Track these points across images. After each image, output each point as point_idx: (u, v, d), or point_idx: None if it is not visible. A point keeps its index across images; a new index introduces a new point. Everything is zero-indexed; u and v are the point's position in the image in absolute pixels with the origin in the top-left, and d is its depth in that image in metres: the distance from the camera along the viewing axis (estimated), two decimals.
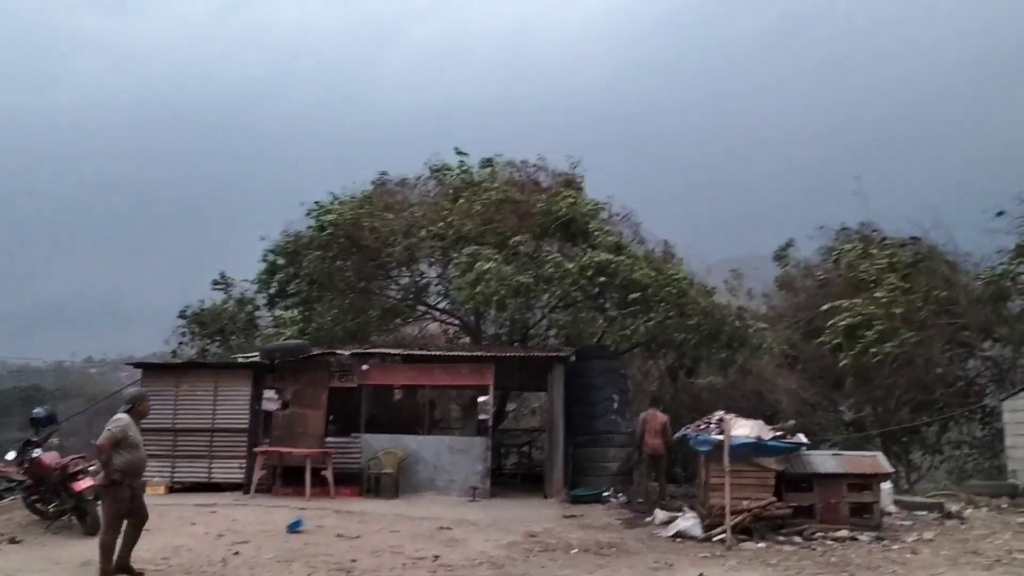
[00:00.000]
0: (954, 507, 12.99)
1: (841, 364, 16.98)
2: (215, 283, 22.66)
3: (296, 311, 18.39)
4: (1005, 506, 13.15)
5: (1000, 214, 17.14)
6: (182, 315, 22.01)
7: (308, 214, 18.49)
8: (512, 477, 18.09)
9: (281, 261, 18.67)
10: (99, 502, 10.59)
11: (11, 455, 11.25)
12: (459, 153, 19.42)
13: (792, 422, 13.88)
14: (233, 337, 21.22)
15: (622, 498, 14.14)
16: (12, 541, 10.03)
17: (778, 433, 11.16)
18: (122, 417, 7.99)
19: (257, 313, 21.39)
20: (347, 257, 18.11)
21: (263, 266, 19.30)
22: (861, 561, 8.93)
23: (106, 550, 7.83)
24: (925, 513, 12.39)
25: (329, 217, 17.65)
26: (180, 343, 21.96)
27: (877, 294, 17.02)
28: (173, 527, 10.78)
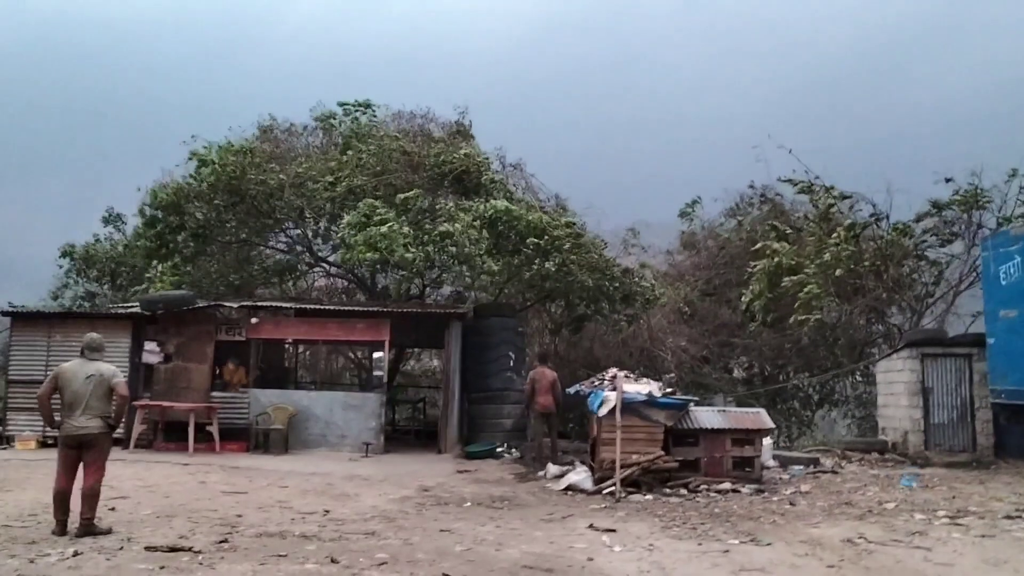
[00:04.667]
0: (828, 462, 13.71)
1: (748, 308, 17.09)
2: (105, 219, 21.32)
3: (174, 264, 17.40)
4: (875, 461, 13.98)
5: (949, 180, 16.92)
6: (66, 254, 20.59)
7: (189, 159, 17.55)
8: (406, 433, 17.99)
9: (160, 215, 17.53)
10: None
11: None
12: (343, 104, 18.83)
13: (672, 375, 14.28)
14: (120, 281, 20.03)
15: (515, 454, 14.26)
16: None
17: (668, 390, 11.43)
18: None
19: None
20: (232, 209, 17.31)
21: (140, 219, 18.20)
22: (743, 512, 9.25)
23: (97, 497, 7.57)
24: (802, 467, 13.00)
25: (207, 170, 16.75)
26: (64, 285, 20.57)
27: (807, 243, 16.99)
28: (44, 484, 10.10)
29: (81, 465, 7.59)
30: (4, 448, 13.78)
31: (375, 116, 18.40)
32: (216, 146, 17.46)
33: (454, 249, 14.93)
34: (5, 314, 15.34)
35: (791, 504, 9.81)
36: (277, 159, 17.20)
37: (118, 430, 13.98)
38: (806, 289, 16.00)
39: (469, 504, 9.79)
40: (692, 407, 11.58)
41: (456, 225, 15.12)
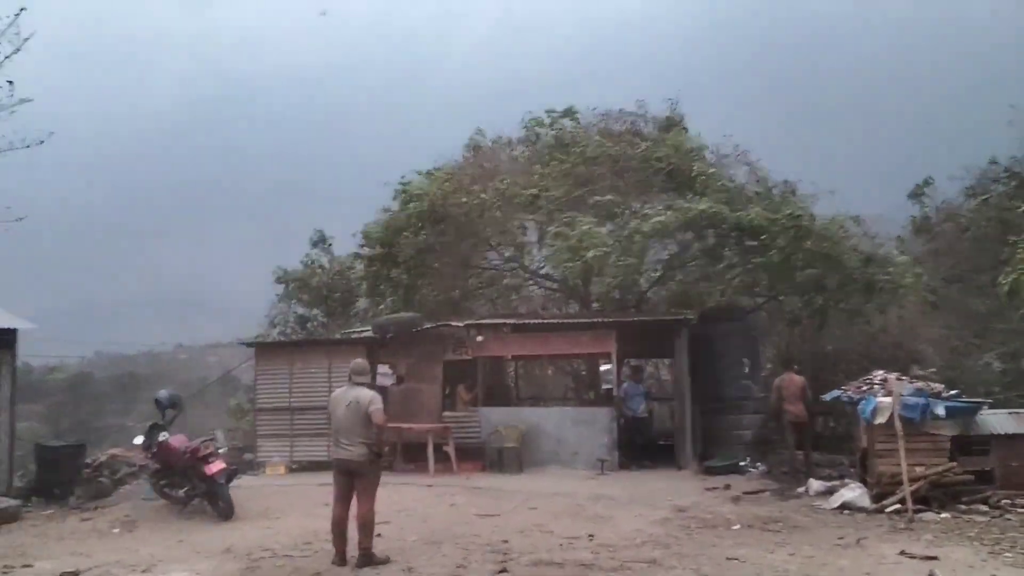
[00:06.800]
0: None
1: (1012, 289, 14.64)
2: (313, 242, 22.26)
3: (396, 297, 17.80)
4: None
5: None
6: (281, 280, 21.62)
7: (395, 197, 17.90)
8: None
9: (377, 250, 17.95)
10: (230, 485, 10.35)
11: (139, 439, 11.01)
12: (549, 112, 18.51)
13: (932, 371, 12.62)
14: (332, 304, 20.83)
15: (762, 468, 13.20)
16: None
17: (952, 392, 10.10)
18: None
19: (356, 288, 20.93)
20: (439, 235, 17.28)
21: (360, 259, 18.89)
22: None
23: (372, 525, 7.48)
24: None
25: (413, 205, 16.94)
26: (279, 312, 21.55)
27: None
28: (305, 509, 10.37)
29: (355, 494, 7.50)
30: (256, 475, 14.33)
31: (579, 123, 17.91)
32: (418, 177, 17.69)
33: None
34: (250, 345, 16.12)
35: None
36: (481, 178, 17.11)
37: None
38: None
39: (739, 527, 8.98)
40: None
41: (650, 223, 14.47)
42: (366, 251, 18.04)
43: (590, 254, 14.27)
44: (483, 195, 16.50)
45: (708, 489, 11.71)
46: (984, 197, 18.26)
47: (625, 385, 14.81)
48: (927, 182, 20.49)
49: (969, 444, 10.17)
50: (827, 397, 11.80)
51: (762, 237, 14.47)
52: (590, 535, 8.52)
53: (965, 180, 19.83)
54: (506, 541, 8.26)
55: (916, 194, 20.62)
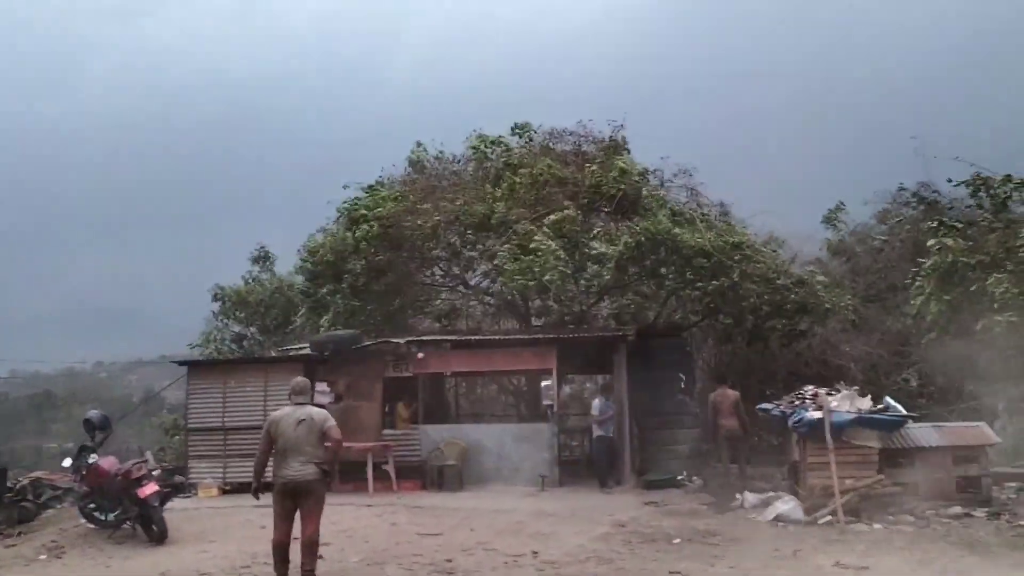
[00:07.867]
0: None
1: (918, 314, 15.27)
2: (254, 258, 21.88)
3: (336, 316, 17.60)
4: None
5: None
6: (217, 297, 21.22)
7: (339, 217, 17.68)
8: (575, 463, 17.34)
9: (318, 270, 17.69)
10: (164, 508, 10.07)
11: (67, 462, 10.65)
12: (497, 139, 18.53)
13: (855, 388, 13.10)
14: (268, 322, 20.50)
15: (698, 482, 13.45)
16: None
17: (879, 407, 10.48)
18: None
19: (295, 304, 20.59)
20: (388, 258, 17.14)
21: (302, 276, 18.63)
22: (1000, 540, 8.25)
23: (318, 547, 7.40)
24: (1016, 486, 11.70)
25: (364, 228, 16.74)
26: (217, 328, 21.11)
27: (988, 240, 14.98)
28: (241, 532, 10.16)
29: (298, 515, 7.36)
30: (188, 496, 13.95)
31: (530, 140, 17.98)
32: (366, 198, 17.44)
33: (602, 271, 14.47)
34: (183, 363, 15.70)
35: None
36: (430, 195, 17.02)
37: None
38: (1001, 289, 14.38)
39: (679, 540, 9.12)
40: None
41: (609, 248, 14.67)
42: (310, 267, 17.73)
43: (547, 277, 14.37)
44: (436, 217, 16.42)
45: (647, 504, 11.85)
46: (897, 219, 19.04)
47: (597, 402, 14.48)
48: (839, 208, 21.31)
49: (896, 456, 10.57)
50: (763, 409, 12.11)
51: (711, 260, 14.78)
52: (534, 552, 8.55)
53: (877, 205, 20.73)
54: (450, 560, 8.24)
55: (829, 219, 21.41)
